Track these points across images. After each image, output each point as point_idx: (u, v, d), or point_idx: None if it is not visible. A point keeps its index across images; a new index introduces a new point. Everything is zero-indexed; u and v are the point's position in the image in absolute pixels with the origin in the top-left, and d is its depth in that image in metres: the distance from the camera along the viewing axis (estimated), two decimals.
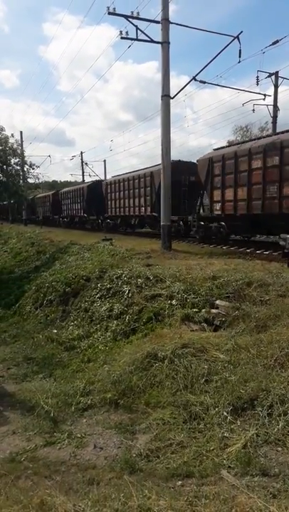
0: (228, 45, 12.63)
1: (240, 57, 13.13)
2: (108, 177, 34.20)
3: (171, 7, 13.23)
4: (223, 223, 14.20)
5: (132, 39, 12.84)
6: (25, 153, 32.82)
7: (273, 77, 22.53)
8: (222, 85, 33.68)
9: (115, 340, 7.29)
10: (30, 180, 37.03)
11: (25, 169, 31.43)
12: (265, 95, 22.40)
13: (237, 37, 12.51)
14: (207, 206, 16.32)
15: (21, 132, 37.33)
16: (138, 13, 12.65)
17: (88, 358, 6.95)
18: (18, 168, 29.73)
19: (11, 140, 26.32)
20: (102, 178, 29.47)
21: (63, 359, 7.28)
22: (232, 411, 3.99)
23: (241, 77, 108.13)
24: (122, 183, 21.89)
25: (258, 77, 21.29)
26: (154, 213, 18.27)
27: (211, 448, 3.62)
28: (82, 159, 45.01)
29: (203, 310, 6.67)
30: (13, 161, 27.56)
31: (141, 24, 12.71)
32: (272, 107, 23.34)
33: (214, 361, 4.94)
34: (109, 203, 23.94)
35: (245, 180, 12.34)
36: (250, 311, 6.07)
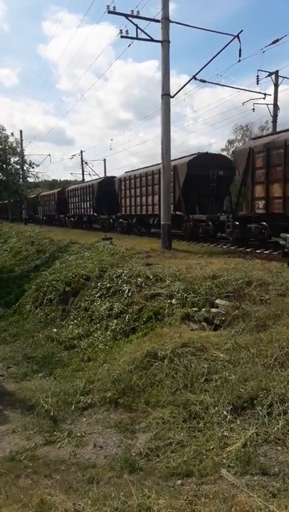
0: (228, 44, 12.64)
1: (240, 56, 13.15)
2: (107, 176, 33.79)
3: (171, 6, 13.36)
4: (265, 223, 12.31)
5: (132, 38, 12.84)
6: (25, 152, 32.81)
7: (273, 76, 22.52)
8: (222, 84, 33.77)
9: (115, 339, 7.30)
10: (30, 179, 36.99)
11: (25, 168, 31.40)
12: (265, 94, 22.42)
13: (237, 36, 12.52)
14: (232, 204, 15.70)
15: (21, 131, 37.37)
16: (138, 12, 12.66)
17: (88, 357, 6.95)
18: (18, 167, 29.71)
19: (11, 139, 26.32)
20: (102, 177, 28.82)
21: (63, 358, 7.29)
22: (232, 410, 3.99)
23: (241, 76, 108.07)
24: (138, 179, 19.91)
25: (258, 76, 21.31)
26: (178, 212, 16.42)
27: (211, 447, 3.62)
28: (82, 158, 45.05)
29: (203, 309, 6.67)
30: (12, 160, 27.55)
31: (141, 23, 12.74)
32: (272, 106, 23.32)
33: (214, 360, 4.95)
34: (122, 200, 22.03)
35: None
36: (250, 310, 6.07)
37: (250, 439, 3.53)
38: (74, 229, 28.41)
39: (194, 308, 6.74)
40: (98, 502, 2.95)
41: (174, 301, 7.15)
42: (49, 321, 9.69)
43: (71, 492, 3.27)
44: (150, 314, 7.18)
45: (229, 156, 23.33)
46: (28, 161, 31.12)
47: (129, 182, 21.06)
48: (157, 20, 12.65)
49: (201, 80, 14.28)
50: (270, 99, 23.07)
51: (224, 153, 36.05)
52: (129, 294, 8.25)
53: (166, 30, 12.50)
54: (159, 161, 13.83)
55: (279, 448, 3.42)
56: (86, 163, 44.71)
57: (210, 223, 15.12)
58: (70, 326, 8.80)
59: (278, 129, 22.55)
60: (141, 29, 12.69)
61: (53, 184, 61.28)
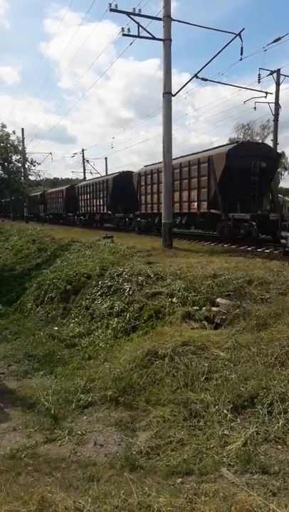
0: (229, 42, 12.61)
1: (241, 54, 13.09)
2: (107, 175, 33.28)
3: (173, 4, 13.29)
4: None
5: (133, 36, 12.81)
6: (27, 151, 32.77)
7: (275, 74, 22.47)
8: (224, 83, 33.70)
9: (116, 337, 7.31)
10: (32, 178, 36.96)
11: (27, 166, 31.40)
12: (266, 93, 22.34)
13: (239, 34, 12.48)
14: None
15: (23, 129, 37.37)
16: (140, 9, 12.63)
17: (89, 355, 6.96)
18: (20, 165, 29.72)
19: (13, 137, 26.32)
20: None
21: (64, 356, 7.29)
22: (232, 409, 4.00)
23: (243, 74, 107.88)
24: (162, 174, 17.69)
25: (259, 74, 21.24)
26: (212, 210, 14.34)
27: (211, 446, 3.62)
28: (83, 156, 45.03)
29: (204, 308, 6.67)
30: (14, 158, 27.55)
31: (142, 21, 12.69)
32: (273, 104, 23.27)
33: (214, 359, 4.95)
34: (142, 197, 19.75)
35: None
36: (251, 309, 6.07)
37: (250, 437, 3.53)
38: (76, 227, 28.17)
39: (195, 307, 6.74)
40: (98, 500, 2.95)
41: (174, 299, 7.15)
42: (50, 319, 9.70)
43: (71, 490, 3.28)
44: (151, 313, 7.18)
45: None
46: (29, 159, 31.13)
47: (151, 177, 18.49)
48: (159, 19, 12.61)
49: (202, 79, 14.27)
50: (271, 98, 23.04)
51: None
52: (130, 292, 8.25)
53: (167, 29, 12.46)
54: (161, 159, 13.77)
55: (279, 447, 3.43)
56: (87, 161, 44.70)
57: (254, 224, 12.90)
58: (71, 325, 8.81)
59: (280, 127, 22.56)
60: (143, 27, 12.67)
61: (55, 182, 61.26)
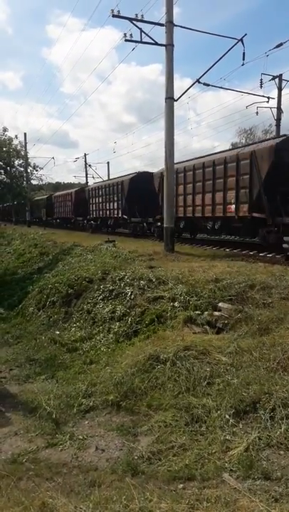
0: (231, 48, 12.68)
1: (243, 60, 13.17)
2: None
3: (175, 10, 13.29)
4: None
5: (136, 41, 12.91)
6: (29, 155, 33.11)
7: (277, 79, 22.57)
8: (226, 88, 33.83)
9: (117, 342, 7.29)
10: (34, 182, 37.31)
11: (29, 171, 31.66)
12: (268, 98, 22.41)
13: (241, 40, 12.55)
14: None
15: (25, 134, 37.54)
16: (142, 15, 12.74)
17: (90, 359, 6.95)
18: (22, 169, 29.96)
19: (15, 142, 26.57)
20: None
21: (65, 360, 7.28)
22: (234, 414, 3.98)
23: (245, 79, 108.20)
24: (191, 172, 15.45)
25: (261, 79, 21.32)
26: (255, 214, 12.31)
27: (213, 451, 3.61)
28: (85, 161, 45.23)
29: (206, 312, 6.66)
30: (16, 162, 27.84)
31: (145, 27, 12.79)
32: (275, 109, 23.36)
33: (216, 364, 4.93)
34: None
35: None
36: (253, 313, 6.06)
37: (252, 443, 3.51)
38: (84, 232, 28.07)
39: (197, 312, 6.73)
40: (100, 505, 2.94)
41: (176, 304, 7.14)
42: (52, 323, 9.69)
43: (73, 495, 3.27)
44: (153, 317, 7.17)
45: None
46: (31, 164, 31.38)
47: (176, 177, 16.02)
48: (161, 24, 12.71)
49: (204, 84, 14.32)
50: (273, 103, 23.13)
51: None
52: (132, 296, 8.25)
53: (170, 34, 12.55)
54: (162, 165, 13.80)
55: (281, 452, 3.41)
56: (90, 165, 44.89)
57: None
58: (73, 329, 8.80)
59: (282, 132, 22.64)
60: (145, 33, 12.76)
61: (57, 187, 61.56)
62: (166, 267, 9.58)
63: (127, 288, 8.64)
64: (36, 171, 32.54)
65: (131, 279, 8.92)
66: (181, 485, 3.24)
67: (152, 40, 12.86)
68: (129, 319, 7.61)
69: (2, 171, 26.17)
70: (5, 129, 25.55)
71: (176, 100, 13.14)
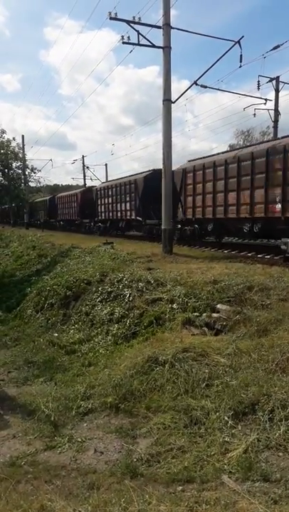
0: (229, 50, 12.72)
1: (241, 62, 13.21)
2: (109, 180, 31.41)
3: (172, 12, 13.32)
4: None
5: (133, 44, 12.94)
6: (27, 157, 33.00)
7: (274, 81, 22.66)
8: (223, 90, 33.84)
9: (116, 344, 7.28)
10: (32, 184, 37.16)
11: (27, 173, 31.60)
12: (266, 100, 22.53)
13: (238, 42, 12.60)
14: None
15: (23, 136, 37.62)
16: (140, 18, 12.77)
17: (89, 361, 6.93)
18: (20, 171, 29.90)
19: (13, 144, 26.51)
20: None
21: (64, 363, 7.27)
22: (233, 415, 3.98)
23: (242, 81, 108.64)
24: (221, 168, 13.55)
25: (259, 81, 21.43)
26: None
27: (212, 453, 3.60)
28: (83, 163, 45.24)
29: (204, 314, 6.67)
30: (14, 164, 27.74)
31: (142, 29, 12.83)
32: (273, 111, 23.46)
33: (215, 365, 4.93)
34: (188, 199, 15.62)
35: None
36: (252, 315, 6.06)
37: (251, 444, 3.51)
38: (77, 234, 27.97)
39: (195, 313, 6.73)
40: (99, 508, 2.94)
41: (175, 305, 7.14)
42: (50, 325, 9.68)
43: (71, 498, 3.26)
44: (151, 319, 7.17)
45: None
46: (29, 166, 31.30)
47: (203, 173, 14.43)
48: (159, 27, 12.75)
49: (202, 86, 14.36)
50: (271, 105, 23.23)
51: None
52: (130, 298, 8.25)
53: (167, 36, 12.59)
54: (160, 166, 13.81)
55: (280, 454, 3.41)
56: (88, 167, 44.87)
57: None
58: (71, 331, 8.79)
59: (279, 133, 22.72)
60: (142, 35, 12.80)
61: (55, 189, 61.47)
62: (164, 268, 9.58)
63: (126, 290, 8.64)
64: (34, 173, 32.48)
65: (129, 281, 8.92)
66: (181, 487, 3.23)
67: (150, 42, 12.91)
68: (128, 321, 7.61)
69: (0, 173, 26.15)
70: (3, 131, 25.52)
71: (173, 102, 13.19)
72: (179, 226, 16.71)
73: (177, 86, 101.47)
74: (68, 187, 56.59)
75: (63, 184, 70.50)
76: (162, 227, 13.40)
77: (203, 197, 14.62)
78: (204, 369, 4.88)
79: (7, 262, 20.54)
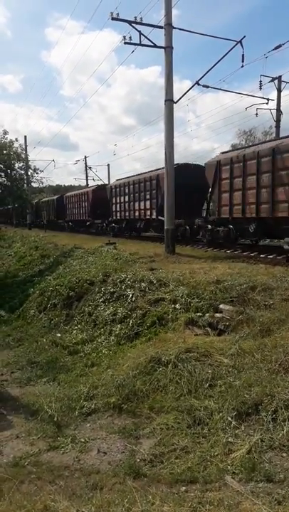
0: (230, 49, 12.69)
1: (243, 61, 13.16)
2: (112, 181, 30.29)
3: (174, 12, 13.17)
4: None
5: (135, 44, 12.93)
6: (29, 158, 33.14)
7: (276, 81, 22.60)
8: (225, 90, 33.78)
9: (119, 344, 7.29)
10: (34, 185, 37.28)
11: (29, 173, 31.70)
12: (268, 99, 22.44)
13: (240, 42, 12.56)
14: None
15: (25, 137, 37.61)
16: (141, 18, 12.76)
17: (92, 362, 6.94)
18: (22, 172, 30.01)
19: (16, 144, 26.61)
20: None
21: (67, 363, 7.28)
22: (236, 416, 3.97)
23: (244, 81, 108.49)
24: (270, 157, 11.47)
25: (261, 81, 21.35)
26: None
27: (215, 453, 3.59)
28: (86, 163, 45.23)
29: (207, 314, 6.66)
30: (17, 165, 27.84)
31: (144, 29, 12.81)
32: (275, 111, 23.39)
33: (218, 366, 4.92)
34: (224, 196, 13.48)
35: None
36: (255, 315, 6.05)
37: (254, 445, 3.50)
38: (79, 234, 27.89)
39: (198, 313, 6.72)
40: (102, 508, 2.94)
41: (177, 306, 7.14)
42: (53, 325, 9.70)
43: (75, 498, 3.26)
44: (154, 319, 7.17)
45: None
46: (32, 167, 31.42)
47: (243, 166, 12.61)
48: (160, 27, 12.74)
49: (204, 86, 14.32)
50: (273, 105, 23.15)
51: None
52: (133, 298, 8.25)
53: (169, 37, 12.57)
54: (162, 165, 13.76)
55: (284, 454, 3.40)
56: (90, 168, 44.87)
57: None
58: (74, 331, 8.80)
59: (281, 133, 22.66)
60: (144, 35, 12.79)
61: (57, 189, 61.63)
62: (167, 268, 9.58)
63: (128, 290, 8.65)
64: (37, 173, 32.57)
65: (132, 281, 8.92)
66: (184, 488, 3.22)
67: (151, 42, 12.90)
68: (131, 321, 7.61)
69: (2, 173, 26.24)
70: (5, 132, 25.65)
71: (175, 102, 13.16)
72: (209, 227, 14.71)
73: (179, 86, 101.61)
74: (71, 187, 56.67)
75: (66, 185, 70.72)
76: (165, 227, 13.38)
77: (244, 193, 12.70)
78: (207, 369, 4.88)
79: (10, 263, 20.61)
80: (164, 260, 11.35)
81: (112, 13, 12.50)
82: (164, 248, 13.26)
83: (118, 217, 22.84)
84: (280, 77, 22.61)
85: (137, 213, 20.33)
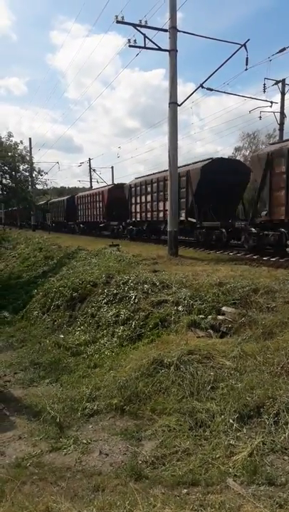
0: (235, 53, 12.72)
1: (247, 65, 13.19)
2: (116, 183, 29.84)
3: (178, 15, 13.19)
4: None
5: (140, 47, 12.99)
6: (34, 160, 33.30)
7: (280, 84, 22.60)
8: (229, 92, 33.79)
9: (121, 345, 7.30)
10: (39, 187, 37.47)
11: (34, 175, 31.84)
12: (271, 102, 22.47)
13: (244, 45, 12.59)
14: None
15: (30, 139, 37.89)
16: (146, 21, 12.81)
17: (94, 363, 6.96)
18: (27, 174, 30.15)
19: (20, 147, 26.78)
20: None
21: (70, 364, 7.30)
22: (238, 418, 3.96)
23: (247, 84, 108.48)
24: None
25: (264, 84, 21.37)
26: None
27: (217, 456, 3.59)
28: (90, 166, 45.41)
29: (210, 316, 6.66)
30: (21, 167, 28.01)
31: (149, 32, 12.86)
32: (279, 114, 23.38)
33: (220, 368, 4.92)
34: (279, 194, 11.46)
35: None
36: (257, 317, 6.05)
37: (256, 448, 3.50)
38: (82, 236, 27.88)
39: (201, 316, 6.73)
40: (103, 510, 2.94)
41: (180, 308, 7.14)
42: (56, 327, 9.72)
43: (76, 500, 3.27)
44: (156, 321, 7.17)
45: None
46: (36, 169, 31.56)
47: None
48: (165, 30, 12.78)
49: (208, 89, 14.40)
50: (276, 107, 23.17)
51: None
52: (136, 300, 8.26)
53: (173, 40, 12.62)
54: (166, 168, 13.77)
55: (286, 458, 3.39)
56: (94, 170, 45.02)
57: None
58: (77, 332, 8.82)
59: (285, 136, 22.62)
60: (149, 38, 12.84)
61: (61, 191, 61.86)
62: (170, 270, 9.58)
63: (131, 292, 8.66)
64: (41, 175, 32.71)
65: (135, 283, 8.93)
66: (185, 490, 3.22)
67: (156, 45, 12.95)
68: (133, 323, 7.62)
69: (7, 175, 26.41)
70: (10, 135, 25.83)
71: (179, 105, 13.18)
72: (253, 230, 12.83)
73: (183, 89, 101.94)
74: (75, 189, 56.86)
75: (70, 187, 71.03)
76: (168, 229, 13.40)
77: None
78: (209, 372, 4.87)
79: (14, 264, 20.68)
80: (166, 262, 11.35)
81: (116, 17, 12.56)
82: (166, 250, 13.27)
83: (138, 219, 20.72)
84: (284, 80, 22.62)
85: (161, 214, 18.02)
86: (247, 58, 12.96)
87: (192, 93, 13.72)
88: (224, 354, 5.20)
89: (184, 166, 16.68)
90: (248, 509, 2.75)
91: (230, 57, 12.79)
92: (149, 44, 12.89)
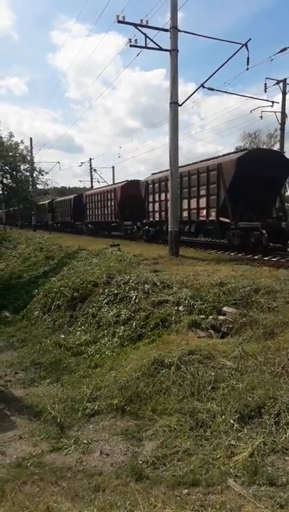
0: (236, 52, 12.72)
1: (248, 64, 13.18)
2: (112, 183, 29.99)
3: (179, 15, 13.00)
4: None
5: (140, 47, 12.97)
6: (35, 160, 33.34)
7: (281, 84, 22.61)
8: (230, 92, 33.73)
9: (122, 345, 7.29)
10: (40, 186, 37.54)
11: (35, 175, 31.90)
12: (273, 102, 22.46)
13: (245, 44, 12.58)
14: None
15: (31, 139, 37.71)
16: (147, 21, 12.79)
17: (95, 363, 6.95)
18: (28, 174, 30.20)
19: (21, 146, 26.83)
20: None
21: (70, 364, 7.30)
22: (239, 419, 3.96)
23: (249, 84, 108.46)
24: None
25: (265, 84, 21.39)
26: None
27: (218, 456, 3.59)
28: (90, 165, 45.44)
29: (211, 316, 6.65)
30: (22, 167, 28.07)
31: (149, 32, 12.84)
32: (280, 113, 23.38)
33: (221, 368, 4.92)
34: None
35: None
36: (258, 318, 6.04)
37: (257, 448, 3.49)
38: (83, 236, 27.84)
39: (201, 316, 6.72)
40: (104, 510, 2.94)
41: (181, 308, 7.14)
42: (57, 327, 9.72)
43: (77, 500, 3.27)
44: (157, 321, 7.17)
45: None
46: (37, 169, 31.60)
47: None
48: (166, 30, 12.77)
49: (209, 88, 14.40)
50: (277, 107, 23.16)
51: None
52: (137, 300, 8.26)
53: (174, 39, 12.60)
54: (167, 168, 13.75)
55: (287, 458, 3.39)
56: (95, 170, 45.03)
57: None
58: (78, 332, 8.81)
59: (286, 136, 22.59)
60: (150, 38, 12.82)
61: (62, 191, 61.98)
62: (170, 270, 9.58)
63: (132, 292, 8.66)
64: (42, 175, 32.77)
65: (136, 283, 8.93)
66: (186, 490, 3.22)
67: (157, 45, 12.93)
68: (134, 323, 7.62)
69: (8, 175, 26.46)
70: (11, 135, 25.89)
71: (180, 105, 13.17)
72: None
73: (184, 89, 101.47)
74: (76, 189, 56.91)
75: (70, 186, 71.13)
76: (169, 229, 13.39)
77: None
78: (210, 372, 4.87)
79: (15, 264, 20.68)
80: (167, 262, 11.35)
81: (117, 16, 12.54)
82: (167, 250, 13.26)
83: (156, 219, 18.51)
84: (285, 79, 22.65)
85: (185, 214, 15.86)
86: (248, 58, 12.96)
87: (193, 93, 13.72)
88: (225, 354, 5.20)
89: (213, 158, 15.27)
90: (249, 509, 2.75)
91: (232, 56, 12.81)
92: (150, 44, 12.89)
